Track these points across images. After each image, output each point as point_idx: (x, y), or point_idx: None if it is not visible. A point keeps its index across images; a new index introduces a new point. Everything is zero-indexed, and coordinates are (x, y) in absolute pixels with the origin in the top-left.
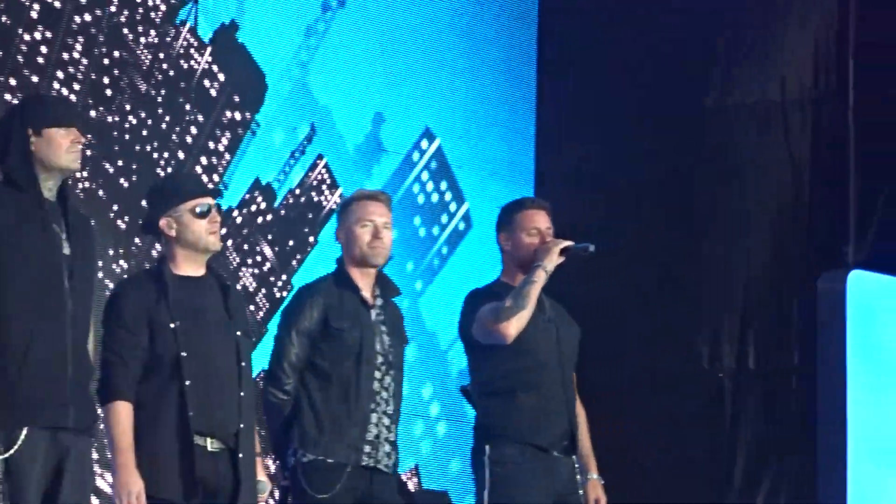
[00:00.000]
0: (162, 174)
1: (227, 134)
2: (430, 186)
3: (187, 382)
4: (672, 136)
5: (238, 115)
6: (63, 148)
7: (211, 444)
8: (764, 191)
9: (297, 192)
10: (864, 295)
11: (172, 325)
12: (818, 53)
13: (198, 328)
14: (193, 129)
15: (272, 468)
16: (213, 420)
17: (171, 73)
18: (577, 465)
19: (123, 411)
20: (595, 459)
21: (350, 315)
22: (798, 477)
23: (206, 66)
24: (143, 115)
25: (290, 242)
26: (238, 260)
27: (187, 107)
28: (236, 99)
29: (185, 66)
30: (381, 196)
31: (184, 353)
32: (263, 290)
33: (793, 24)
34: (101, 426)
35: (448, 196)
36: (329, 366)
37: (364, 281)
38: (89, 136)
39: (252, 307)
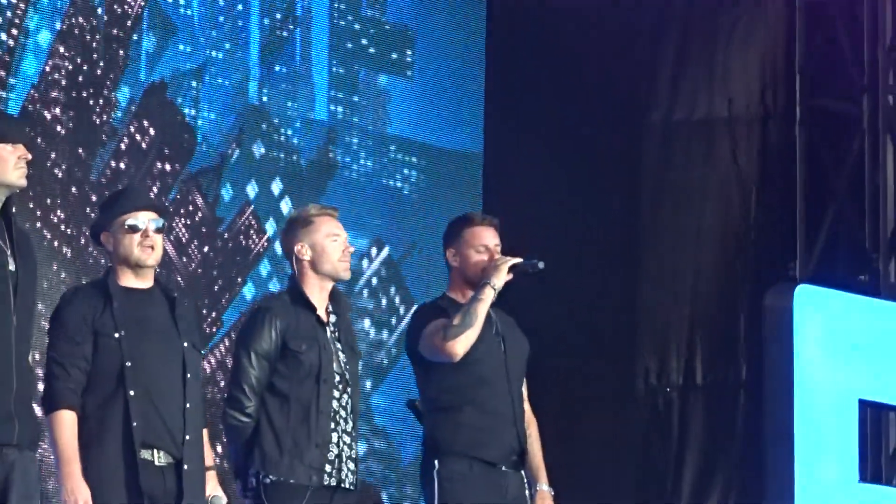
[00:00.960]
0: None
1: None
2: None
3: (131, 393)
4: (618, 153)
5: (168, 167)
6: (10, 164)
7: (157, 458)
8: (711, 206)
9: (226, 235)
10: (810, 309)
11: (117, 335)
12: (765, 70)
13: (143, 339)
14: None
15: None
16: (159, 432)
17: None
18: (526, 480)
19: (68, 420)
20: (546, 471)
21: (307, 335)
22: (746, 491)
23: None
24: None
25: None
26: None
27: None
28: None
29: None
30: (336, 212)
31: (128, 364)
32: None
33: (739, 41)
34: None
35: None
36: (288, 387)
37: (319, 298)
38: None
39: None
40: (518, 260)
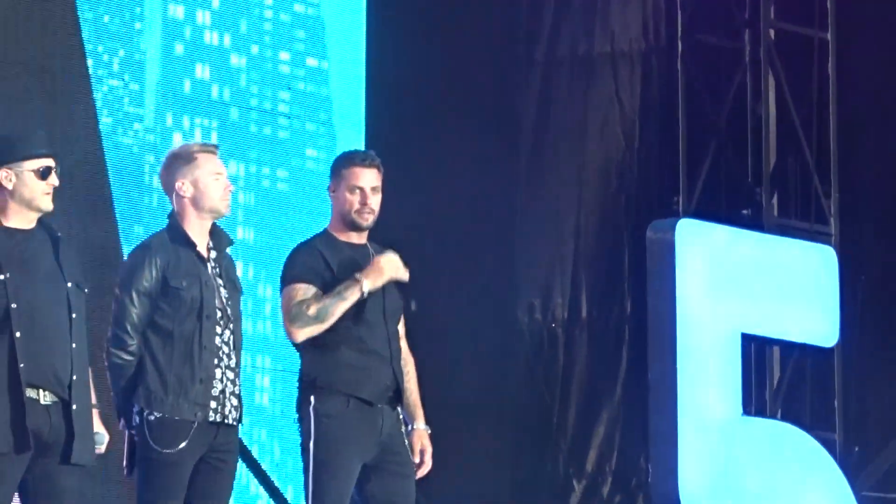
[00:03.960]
0: None
1: None
2: None
3: (17, 334)
4: (501, 89)
5: None
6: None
7: (43, 397)
8: (593, 142)
9: None
10: (693, 243)
11: (1, 277)
12: (646, 5)
13: (28, 280)
14: None
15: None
16: (45, 372)
17: None
18: (401, 416)
19: None
20: (423, 410)
21: (188, 272)
22: (630, 425)
23: None
24: None
25: None
26: None
27: None
28: None
29: None
30: (217, 149)
31: (14, 305)
32: None
33: None
34: None
35: None
36: (170, 324)
37: (200, 235)
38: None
39: None
40: (401, 278)
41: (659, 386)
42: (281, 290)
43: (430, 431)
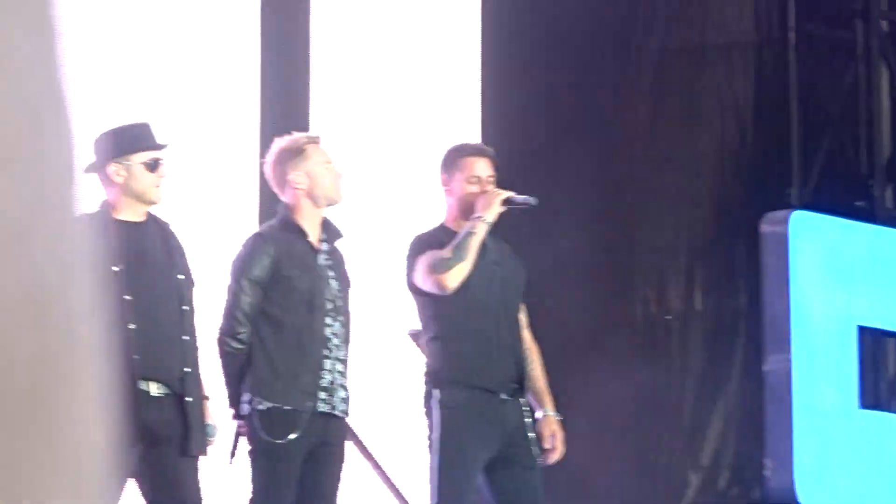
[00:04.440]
0: None
1: None
2: None
3: (131, 326)
4: (614, 83)
5: None
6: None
7: (156, 389)
8: (707, 134)
9: None
10: (806, 236)
11: (115, 269)
12: None
13: (141, 272)
14: None
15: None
16: (158, 364)
17: None
18: (525, 408)
19: None
20: (551, 396)
21: (300, 262)
22: (746, 417)
23: None
24: None
25: None
26: None
27: None
28: None
29: None
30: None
31: (128, 297)
32: None
33: None
34: None
35: None
36: (281, 313)
37: (312, 226)
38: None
39: None
40: (510, 194)
41: (774, 379)
42: (413, 274)
43: (559, 418)
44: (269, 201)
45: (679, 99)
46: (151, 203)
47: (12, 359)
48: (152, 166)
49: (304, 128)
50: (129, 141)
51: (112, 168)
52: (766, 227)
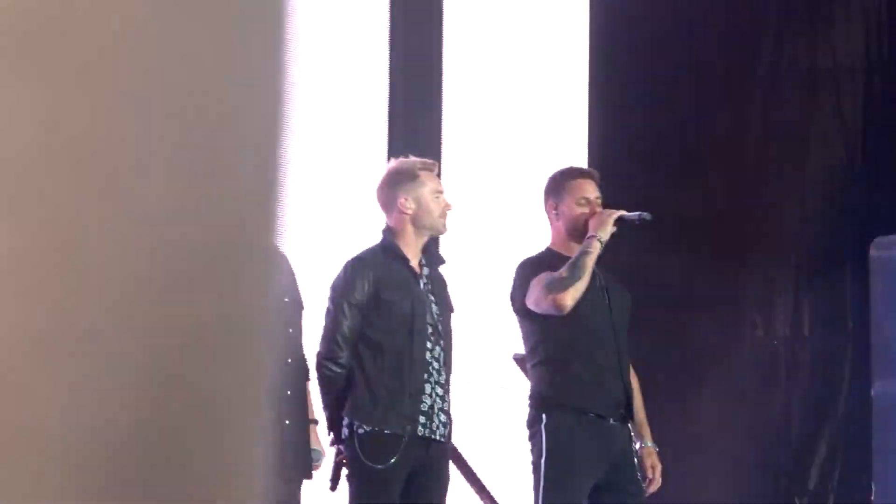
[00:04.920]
0: None
1: None
2: None
3: None
4: (722, 104)
5: None
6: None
7: None
8: (815, 157)
9: None
10: None
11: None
12: (868, 23)
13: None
14: None
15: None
16: None
17: None
18: (631, 434)
19: None
20: (649, 427)
21: (400, 286)
22: (853, 442)
23: None
24: None
25: None
26: None
27: None
28: None
29: None
30: (436, 167)
31: None
32: None
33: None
34: None
35: None
36: (381, 337)
37: (414, 251)
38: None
39: None
40: (623, 212)
41: (882, 404)
42: (524, 296)
43: (657, 449)
44: None
45: (788, 121)
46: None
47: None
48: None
49: (435, 151)
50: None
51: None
52: (874, 252)
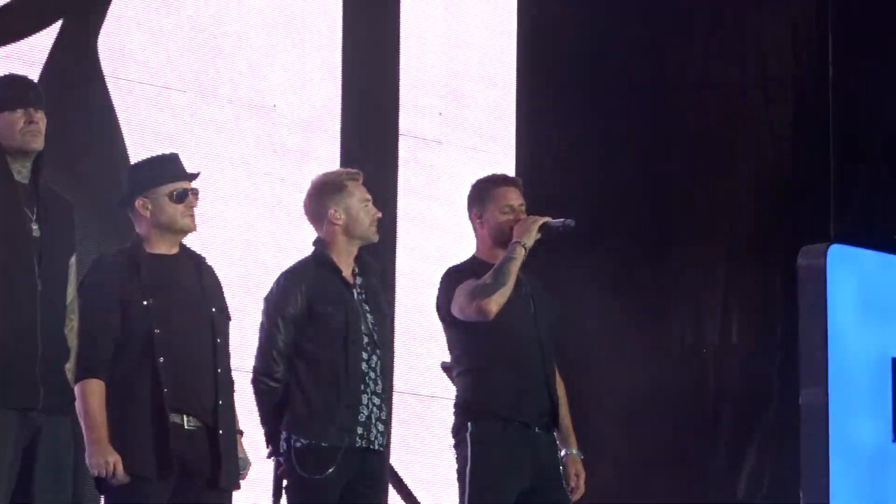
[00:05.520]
0: None
1: None
2: None
3: (161, 359)
4: (652, 115)
5: None
6: (16, 129)
7: (187, 422)
8: (745, 167)
9: None
10: (844, 269)
11: (145, 303)
12: (797, 31)
13: (171, 305)
14: None
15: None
16: (189, 397)
17: None
18: (556, 443)
19: (96, 388)
20: (574, 435)
21: (333, 297)
22: (782, 449)
23: None
24: None
25: None
26: None
27: None
28: None
29: None
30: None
31: (157, 331)
32: None
33: (769, 9)
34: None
35: None
36: (316, 350)
37: (346, 262)
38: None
39: None
40: (547, 219)
41: (810, 412)
42: (449, 304)
43: (582, 457)
44: None
45: (716, 132)
46: (182, 232)
47: None
48: (179, 196)
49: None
50: (152, 174)
51: (139, 202)
52: (802, 261)
